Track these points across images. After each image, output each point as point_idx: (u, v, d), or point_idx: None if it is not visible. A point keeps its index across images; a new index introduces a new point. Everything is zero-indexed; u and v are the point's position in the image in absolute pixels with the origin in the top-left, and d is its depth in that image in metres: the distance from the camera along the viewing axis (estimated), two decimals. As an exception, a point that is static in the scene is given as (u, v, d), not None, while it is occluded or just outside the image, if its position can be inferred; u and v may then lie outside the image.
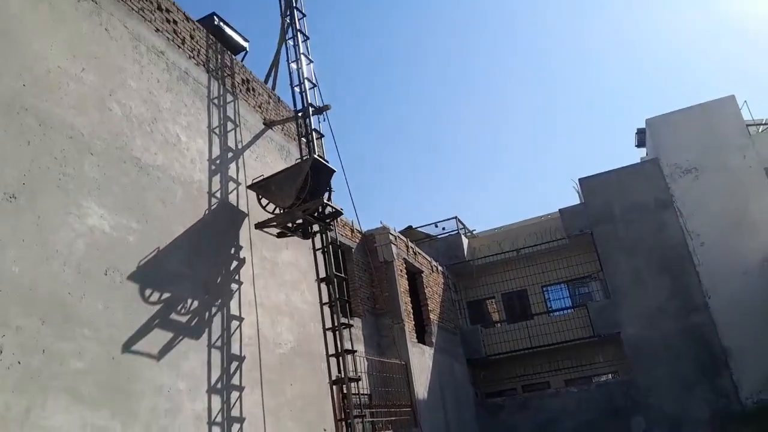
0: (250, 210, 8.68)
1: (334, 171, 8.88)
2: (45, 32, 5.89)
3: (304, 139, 9.85)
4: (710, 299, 16.17)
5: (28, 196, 5.21)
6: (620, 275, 17.28)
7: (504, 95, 50.87)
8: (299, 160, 9.34)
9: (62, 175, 5.62)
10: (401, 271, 14.23)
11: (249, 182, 8.83)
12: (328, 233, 9.09)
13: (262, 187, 8.74)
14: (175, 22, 8.08)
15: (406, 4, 48.11)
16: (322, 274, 8.93)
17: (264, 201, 8.82)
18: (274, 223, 8.74)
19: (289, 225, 8.83)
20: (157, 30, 7.65)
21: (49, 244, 5.27)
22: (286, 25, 10.27)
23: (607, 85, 48.36)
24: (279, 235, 9.05)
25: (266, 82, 10.95)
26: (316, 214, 8.67)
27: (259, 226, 8.72)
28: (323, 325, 8.70)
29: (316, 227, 9.04)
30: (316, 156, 8.78)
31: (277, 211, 8.78)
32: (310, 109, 9.80)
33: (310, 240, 9.18)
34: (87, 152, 5.99)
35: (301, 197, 8.36)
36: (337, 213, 9.07)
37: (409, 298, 14.33)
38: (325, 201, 8.59)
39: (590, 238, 18.04)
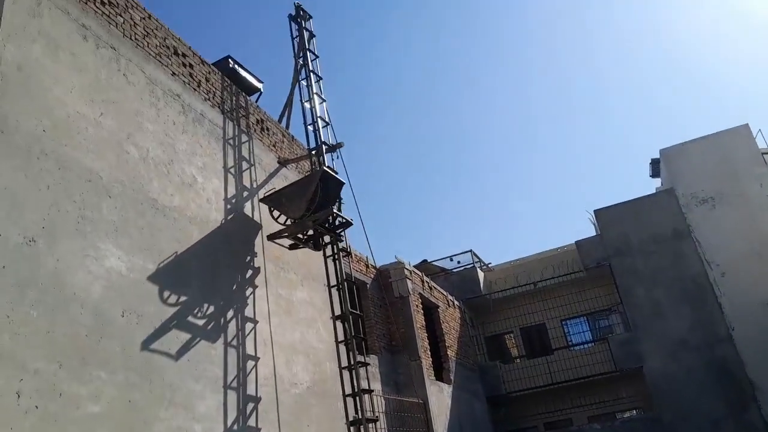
0: (264, 249, 8.71)
1: (344, 183, 9.12)
2: (65, 78, 6.05)
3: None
4: (734, 331, 15.80)
5: (47, 240, 5.28)
6: (640, 307, 16.98)
7: (517, 128, 51.14)
8: (309, 173, 9.46)
9: (81, 218, 5.70)
10: (417, 306, 14.11)
11: (264, 221, 8.88)
12: (339, 244, 9.20)
13: (274, 200, 8.95)
14: (191, 65, 8.27)
15: (422, 36, 48.93)
16: (338, 312, 8.89)
17: (276, 213, 9.01)
18: (286, 234, 8.88)
19: (301, 236, 9.01)
20: (174, 74, 7.83)
21: (67, 287, 5.31)
22: (299, 66, 10.47)
23: (619, 115, 48.47)
24: (291, 247, 9.18)
25: (280, 121, 11.12)
26: (326, 225, 8.87)
27: (272, 237, 8.85)
28: (339, 364, 8.61)
29: (327, 239, 9.16)
30: (325, 168, 9.01)
31: (289, 222, 8.93)
32: (324, 147, 9.92)
33: (326, 279, 9.16)
34: (105, 195, 6.08)
35: (311, 208, 8.59)
36: (348, 223, 9.22)
37: (426, 334, 14.17)
38: (335, 211, 8.77)
39: (608, 270, 17.81)
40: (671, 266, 16.98)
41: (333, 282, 9.13)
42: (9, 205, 5.06)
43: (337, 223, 9.08)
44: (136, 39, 7.28)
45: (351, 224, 9.29)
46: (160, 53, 7.68)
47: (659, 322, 16.61)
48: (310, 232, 8.99)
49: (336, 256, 9.06)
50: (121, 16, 7.15)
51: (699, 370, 15.79)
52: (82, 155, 5.95)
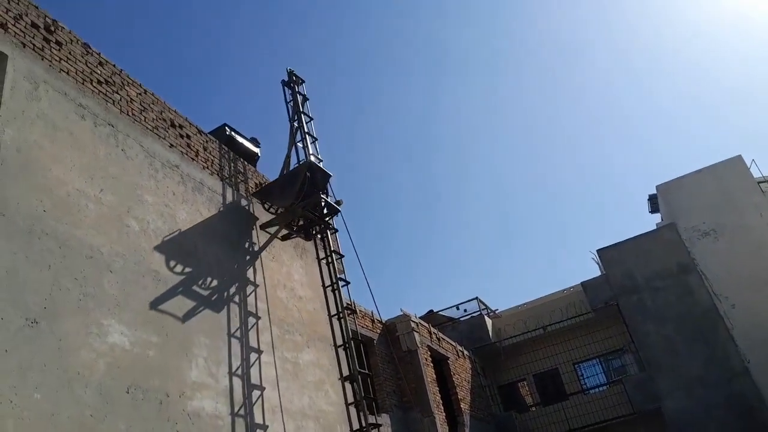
0: (270, 312, 8.66)
1: (330, 175, 9.74)
2: (64, 157, 6.16)
3: (318, 236, 9.98)
4: (750, 363, 15.51)
5: (50, 320, 5.26)
6: (652, 346, 16.72)
7: (516, 173, 51.56)
8: (297, 166, 10.08)
9: (82, 295, 5.70)
10: (426, 359, 13.90)
11: (267, 284, 8.87)
12: (329, 237, 9.78)
13: (265, 193, 9.62)
14: (188, 136, 8.42)
15: (419, 88, 49.90)
16: (346, 372, 8.76)
17: (267, 206, 9.63)
18: (278, 223, 9.39)
19: (293, 227, 9.58)
20: (172, 146, 7.97)
21: (71, 367, 5.26)
22: (294, 129, 10.65)
23: (614, 153, 48.96)
24: (283, 238, 9.65)
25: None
26: (316, 214, 9.43)
27: (264, 226, 9.34)
28: (351, 427, 8.44)
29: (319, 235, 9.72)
30: (311, 160, 9.64)
31: (281, 213, 9.48)
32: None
33: (332, 339, 9.07)
34: (106, 270, 6.10)
35: (300, 197, 9.16)
36: (336, 210, 9.72)
37: (437, 388, 13.90)
38: (323, 196, 9.36)
39: (616, 309, 17.63)
40: (679, 301, 16.82)
41: (339, 341, 9.04)
42: (10, 288, 5.07)
43: (325, 210, 9.62)
44: (133, 114, 7.45)
45: (339, 210, 9.83)
46: (157, 126, 7.83)
47: (673, 360, 16.33)
48: (301, 223, 9.59)
49: (329, 259, 9.41)
50: (118, 93, 7.33)
51: (718, 406, 15.42)
52: (83, 232, 6.00)
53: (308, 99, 11.10)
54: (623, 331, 17.76)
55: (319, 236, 9.88)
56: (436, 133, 50.04)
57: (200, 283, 7.45)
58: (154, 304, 6.54)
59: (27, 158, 5.74)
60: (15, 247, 5.25)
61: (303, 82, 11.18)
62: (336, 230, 10.39)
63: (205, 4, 43.04)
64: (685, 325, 16.54)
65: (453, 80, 48.77)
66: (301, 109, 10.73)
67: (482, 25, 48.14)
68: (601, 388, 18.85)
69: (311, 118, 10.89)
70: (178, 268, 7.16)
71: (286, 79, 11.07)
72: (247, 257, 8.77)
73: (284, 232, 9.60)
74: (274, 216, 9.49)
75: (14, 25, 6.16)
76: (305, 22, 45.66)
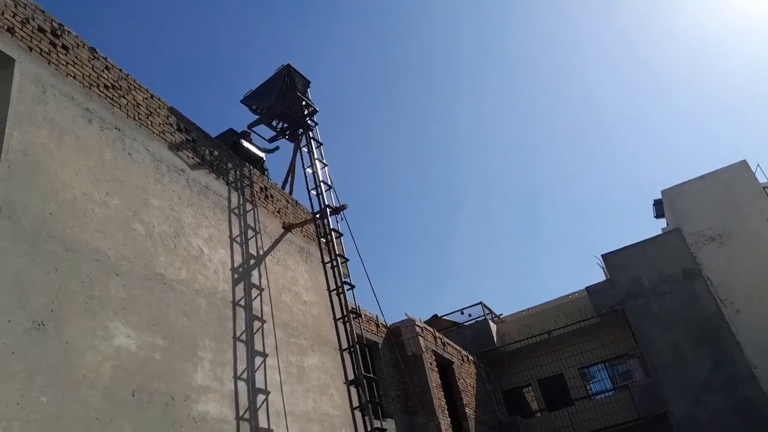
0: (275, 316, 8.66)
1: (310, 81, 11.09)
2: (70, 161, 6.18)
3: (323, 240, 9.99)
4: (756, 369, 15.41)
5: (56, 323, 5.27)
6: (658, 351, 16.64)
7: (520, 178, 51.54)
8: (277, 71, 11.03)
9: (89, 298, 5.70)
10: (431, 364, 13.87)
11: (272, 288, 8.87)
12: (310, 134, 10.76)
13: (251, 98, 10.97)
14: (194, 140, 8.44)
15: (423, 94, 49.98)
16: (351, 376, 8.75)
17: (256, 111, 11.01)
18: (263, 123, 10.86)
19: (275, 126, 11.01)
20: (178, 149, 7.99)
21: (77, 369, 5.27)
22: (299, 134, 10.68)
23: (619, 157, 48.90)
24: (271, 139, 11.20)
25: (284, 187, 11.26)
26: (296, 113, 10.70)
27: (252, 125, 10.86)
28: (356, 431, 8.41)
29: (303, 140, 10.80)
30: (289, 63, 10.83)
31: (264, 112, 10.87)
32: (328, 210, 10.00)
33: (337, 343, 9.05)
34: (113, 273, 6.11)
35: (282, 99, 10.58)
36: (314, 111, 10.87)
37: (443, 393, 13.86)
38: (300, 95, 10.64)
39: (622, 314, 17.56)
40: (685, 307, 16.75)
41: (344, 345, 9.03)
42: (17, 290, 5.08)
43: (306, 112, 10.83)
44: (139, 119, 7.47)
45: (317, 111, 10.93)
46: (164, 130, 7.86)
47: (679, 365, 16.25)
48: (286, 126, 10.97)
49: (333, 263, 9.62)
50: (125, 97, 7.36)
51: (725, 412, 15.32)
52: (89, 235, 6.01)
53: (313, 103, 11.12)
54: (629, 336, 17.69)
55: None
56: (445, 137, 50.07)
57: (205, 286, 7.45)
58: (160, 307, 6.55)
59: (34, 162, 5.76)
60: (22, 250, 5.27)
61: (309, 83, 11.20)
62: (340, 234, 10.39)
63: (210, 5, 43.25)
64: (690, 331, 16.46)
65: (467, 83, 48.81)
66: (306, 114, 10.77)
67: (496, 24, 48.22)
68: (606, 394, 18.78)
69: (316, 123, 10.94)
70: (184, 272, 7.17)
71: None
72: (252, 261, 8.78)
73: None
74: (259, 116, 10.88)
75: (21, 30, 6.19)
76: (310, 18, 45.82)
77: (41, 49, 6.37)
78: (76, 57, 6.84)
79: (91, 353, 5.48)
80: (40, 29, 6.46)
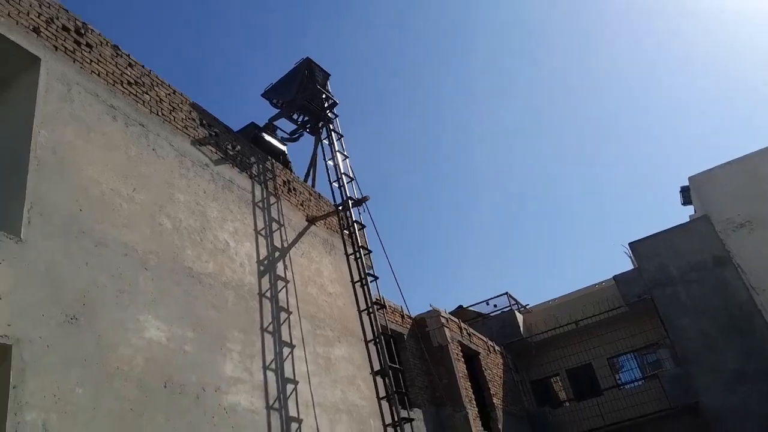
0: (301, 308, 8.71)
1: (329, 74, 11.16)
2: (97, 157, 6.27)
3: (346, 231, 10.02)
4: (790, 357, 15.10)
5: (88, 316, 5.36)
6: (688, 340, 16.37)
7: (543, 166, 51.08)
8: (297, 64, 11.17)
9: (119, 292, 5.79)
10: (457, 354, 13.84)
11: (297, 280, 8.93)
12: (331, 127, 10.86)
13: (272, 91, 11.08)
14: (217, 135, 8.51)
15: (452, 87, 49.79)
16: (377, 367, 8.77)
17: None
18: (283, 116, 10.94)
19: (298, 123, 11.12)
20: (201, 144, 8.06)
21: (110, 361, 5.36)
22: (320, 126, 10.71)
23: (644, 144, 48.16)
24: (291, 133, 11.27)
25: (306, 180, 11.30)
26: (316, 105, 10.79)
27: (273, 119, 10.80)
28: (383, 421, 8.44)
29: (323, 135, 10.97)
30: (309, 57, 10.93)
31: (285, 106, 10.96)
32: (350, 202, 10.02)
33: (362, 334, 9.08)
34: (141, 267, 6.19)
35: (302, 92, 10.67)
36: (334, 103, 10.97)
37: (469, 383, 13.83)
38: (320, 88, 10.73)
39: (650, 303, 17.31)
40: (715, 295, 16.44)
41: (369, 336, 9.05)
42: (51, 285, 5.18)
43: (326, 104, 10.91)
44: (163, 114, 7.55)
45: (337, 103, 11.02)
46: (187, 126, 7.93)
47: (710, 354, 15.97)
48: (306, 120, 11.08)
49: (357, 254, 9.67)
50: (148, 94, 7.44)
51: (758, 402, 15.02)
52: (118, 230, 6.10)
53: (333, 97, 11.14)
54: (658, 325, 17.44)
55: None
56: (469, 127, 49.81)
57: (232, 278, 7.52)
58: (189, 300, 6.62)
59: (62, 159, 5.85)
60: (53, 245, 5.36)
61: (329, 75, 11.23)
62: (363, 226, 10.40)
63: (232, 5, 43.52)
64: (721, 319, 16.16)
65: (484, 74, 48.50)
66: (326, 106, 10.79)
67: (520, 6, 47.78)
68: (636, 383, 18.56)
69: (336, 115, 10.96)
70: (211, 265, 7.25)
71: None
72: (277, 254, 8.84)
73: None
74: (280, 110, 11.03)
75: (46, 29, 6.29)
76: (332, 18, 45.86)
77: (66, 48, 6.46)
78: (100, 55, 6.93)
79: (123, 346, 5.57)
80: (65, 28, 6.55)
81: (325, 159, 10.56)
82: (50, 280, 5.20)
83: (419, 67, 48.73)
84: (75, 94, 6.32)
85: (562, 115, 48.58)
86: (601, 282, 20.22)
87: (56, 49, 6.32)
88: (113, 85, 6.93)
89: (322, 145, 10.83)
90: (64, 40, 6.48)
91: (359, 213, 10.26)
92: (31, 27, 6.10)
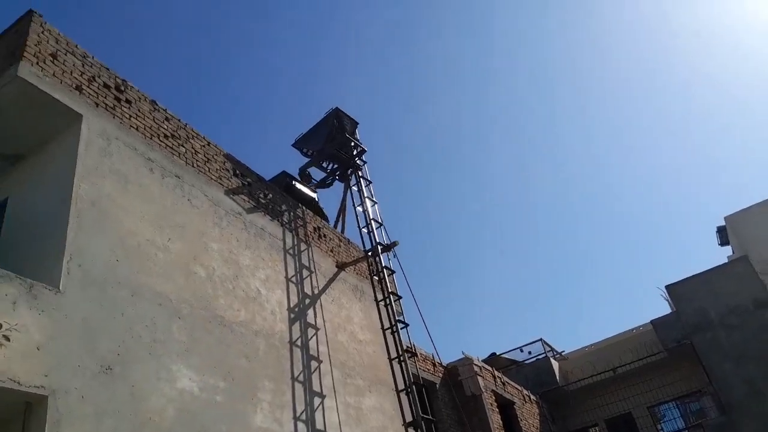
0: (331, 356, 8.64)
1: (357, 123, 11.44)
2: (134, 209, 6.43)
3: (376, 277, 10.00)
4: (843, 405, 14.34)
5: (123, 366, 5.41)
6: (733, 387, 15.70)
7: (573, 209, 50.59)
8: (326, 114, 11.51)
9: (153, 341, 5.85)
10: (492, 404, 13.49)
11: (327, 327, 8.89)
12: (360, 173, 11.06)
13: (303, 141, 11.47)
14: (249, 184, 8.68)
15: (474, 120, 50.14)
16: (409, 417, 8.59)
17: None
18: (313, 165, 11.34)
19: (327, 171, 11.41)
20: (234, 194, 8.22)
21: (142, 412, 5.37)
22: (349, 173, 10.85)
23: (679, 185, 47.47)
24: (321, 181, 11.47)
25: (335, 226, 11.39)
26: (345, 153, 11.08)
27: (303, 168, 11.33)
28: (417, 473, 8.21)
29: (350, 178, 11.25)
30: (337, 107, 11.26)
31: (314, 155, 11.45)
32: (379, 248, 10.04)
33: (393, 383, 8.94)
34: (175, 316, 6.25)
35: (331, 141, 11.06)
36: (363, 150, 11.21)
37: (504, 434, 13.42)
38: (349, 136, 10.98)
39: (690, 348, 16.73)
40: (758, 339, 15.81)
41: (401, 385, 8.91)
42: (87, 336, 5.26)
43: (355, 152, 11.19)
44: (197, 165, 7.75)
45: (365, 150, 11.31)
46: (221, 176, 8.11)
47: (756, 402, 15.26)
48: (336, 167, 11.36)
49: (387, 300, 9.59)
50: (183, 146, 7.66)
51: (810, 452, 14.25)
52: (153, 280, 6.20)
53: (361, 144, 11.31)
54: (700, 371, 16.79)
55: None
56: (493, 168, 49.82)
57: (263, 327, 7.53)
58: (221, 349, 6.64)
59: (101, 211, 6.02)
60: (90, 296, 5.47)
61: (357, 124, 11.44)
62: (393, 272, 10.39)
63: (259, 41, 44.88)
64: (765, 365, 15.50)
65: (502, 95, 48.76)
66: (355, 154, 10.96)
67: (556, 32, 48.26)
68: (678, 434, 17.78)
69: (365, 162, 11.13)
70: (242, 313, 7.28)
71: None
72: (307, 301, 8.85)
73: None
74: (310, 159, 11.34)
75: (88, 87, 6.57)
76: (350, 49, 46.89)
77: (106, 105, 6.73)
78: (139, 110, 7.19)
79: (155, 396, 5.58)
80: (105, 85, 6.83)
81: (354, 205, 10.67)
82: (87, 331, 5.28)
83: (444, 107, 49.26)
84: (114, 149, 6.55)
85: (592, 154, 48.35)
86: (639, 326, 19.66)
87: (97, 106, 6.59)
88: (150, 138, 7.16)
89: (351, 191, 10.95)
90: (105, 97, 6.76)
91: (389, 259, 10.28)
92: (74, 85, 6.38)
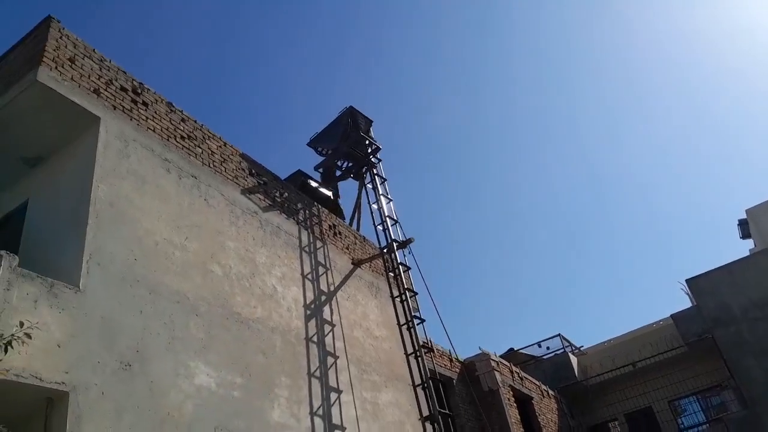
0: (347, 351, 8.73)
1: (372, 121, 11.62)
2: (152, 209, 6.57)
3: (391, 274, 10.06)
4: None
5: (142, 363, 5.54)
6: (755, 381, 15.49)
7: (594, 203, 50.16)
8: (341, 113, 11.72)
9: (171, 338, 5.97)
10: (509, 399, 13.49)
11: (343, 323, 8.98)
12: (374, 171, 11.15)
13: (318, 140, 11.70)
14: (265, 183, 8.78)
15: (494, 123, 49.94)
16: (425, 412, 8.65)
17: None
18: (328, 163, 11.53)
19: (342, 168, 11.57)
20: (250, 193, 8.33)
21: (161, 407, 5.50)
22: (364, 171, 10.92)
23: (699, 178, 46.80)
24: (339, 178, 11.64)
25: (351, 223, 11.47)
26: (360, 152, 11.19)
27: (318, 166, 11.65)
28: (433, 467, 8.27)
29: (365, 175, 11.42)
30: (352, 105, 11.49)
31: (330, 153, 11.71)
32: (395, 245, 10.10)
33: (410, 378, 9.00)
34: (193, 314, 6.38)
35: (345, 140, 11.24)
36: (377, 148, 11.34)
37: (522, 429, 13.42)
38: (363, 135, 11.12)
39: (712, 342, 16.54)
40: (781, 333, 15.59)
41: (417, 381, 8.97)
42: (107, 333, 5.40)
43: (369, 150, 11.30)
44: (214, 166, 7.87)
45: (380, 148, 11.43)
46: (237, 176, 8.23)
47: (779, 396, 15.05)
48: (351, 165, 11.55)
49: (402, 297, 9.62)
50: (200, 147, 7.78)
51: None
52: (170, 278, 6.33)
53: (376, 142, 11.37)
54: (721, 365, 16.59)
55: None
56: (511, 163, 49.57)
57: (279, 323, 7.64)
58: (238, 346, 6.76)
59: (119, 211, 6.16)
60: (110, 294, 5.61)
61: (371, 122, 11.52)
62: (408, 268, 10.44)
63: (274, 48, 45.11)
64: (790, 359, 15.28)
65: (530, 122, 48.47)
66: (370, 152, 11.02)
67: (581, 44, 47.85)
68: (700, 428, 17.62)
69: (380, 160, 11.18)
70: (259, 310, 7.39)
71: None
72: (323, 297, 8.94)
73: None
74: (325, 158, 11.54)
75: (106, 90, 6.71)
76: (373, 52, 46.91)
77: (124, 107, 6.87)
78: (155, 112, 7.32)
79: (174, 392, 5.71)
80: (123, 89, 6.97)
81: (369, 202, 10.73)
82: (106, 328, 5.42)
83: (466, 104, 49.09)
84: (132, 150, 6.68)
85: (613, 149, 47.86)
86: (659, 321, 19.49)
87: (115, 108, 6.73)
88: (167, 139, 7.29)
89: (366, 189, 11.02)
90: (122, 100, 6.90)
91: (404, 255, 10.34)
92: (92, 89, 6.52)
